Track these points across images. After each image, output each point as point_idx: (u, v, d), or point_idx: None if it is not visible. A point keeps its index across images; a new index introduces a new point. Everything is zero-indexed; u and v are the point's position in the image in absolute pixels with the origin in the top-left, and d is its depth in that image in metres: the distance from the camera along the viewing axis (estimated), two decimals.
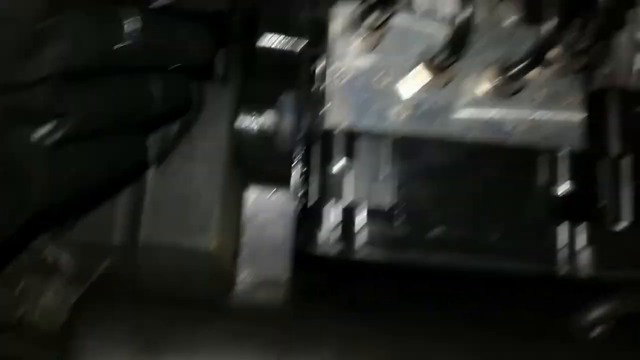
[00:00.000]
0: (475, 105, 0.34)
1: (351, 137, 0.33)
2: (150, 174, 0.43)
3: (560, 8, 0.30)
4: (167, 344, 0.25)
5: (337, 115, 0.33)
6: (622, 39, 0.46)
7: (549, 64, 0.34)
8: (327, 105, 0.33)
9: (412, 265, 0.33)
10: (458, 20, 0.29)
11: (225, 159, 0.43)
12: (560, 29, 0.31)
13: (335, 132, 0.33)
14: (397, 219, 0.33)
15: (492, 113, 0.34)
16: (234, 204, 0.44)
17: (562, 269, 0.34)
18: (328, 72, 0.33)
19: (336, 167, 0.33)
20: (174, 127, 0.44)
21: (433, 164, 0.34)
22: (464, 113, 0.34)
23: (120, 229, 0.42)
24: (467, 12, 0.29)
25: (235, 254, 0.41)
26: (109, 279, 0.34)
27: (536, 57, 0.31)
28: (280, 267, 0.41)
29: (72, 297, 0.35)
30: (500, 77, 0.33)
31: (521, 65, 0.32)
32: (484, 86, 0.34)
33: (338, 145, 0.33)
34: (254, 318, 0.28)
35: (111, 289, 0.28)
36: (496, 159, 0.34)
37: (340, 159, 0.33)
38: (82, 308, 0.25)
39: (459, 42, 0.31)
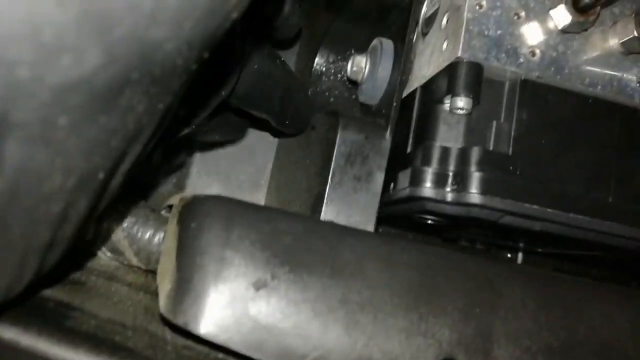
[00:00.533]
0: (605, 60, 0.32)
1: (479, 72, 0.31)
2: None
3: None
4: (304, 257, 0.21)
5: (469, 49, 0.31)
6: None
7: None
8: (460, 36, 0.30)
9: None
10: None
11: None
12: None
13: (462, 66, 0.31)
14: (515, 167, 0.31)
15: (621, 70, 0.32)
16: (306, 158, 0.40)
17: None
18: (467, 4, 0.30)
19: (458, 105, 0.31)
20: None
21: (557, 114, 0.32)
22: (593, 66, 0.32)
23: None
24: None
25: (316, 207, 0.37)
26: None
27: None
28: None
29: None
30: (637, 32, 0.31)
31: None
32: (616, 39, 0.32)
33: (466, 80, 0.31)
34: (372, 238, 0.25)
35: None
36: (619, 118, 0.33)
37: (465, 95, 0.31)
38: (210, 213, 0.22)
39: None
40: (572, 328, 0.23)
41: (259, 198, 0.42)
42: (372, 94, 0.38)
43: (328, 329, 0.20)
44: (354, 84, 0.40)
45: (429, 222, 0.36)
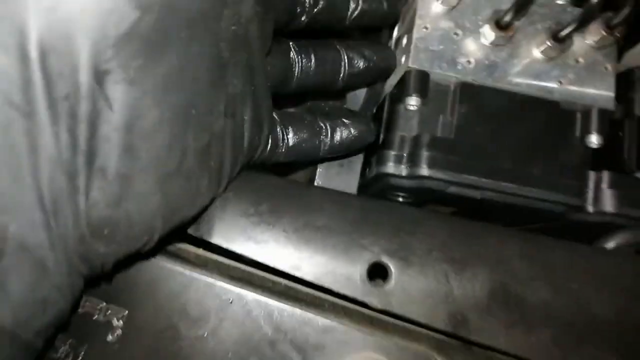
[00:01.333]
0: (528, 64, 0.42)
1: (425, 79, 0.41)
2: None
3: None
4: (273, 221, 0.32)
5: (417, 60, 0.41)
6: None
7: (589, 37, 0.42)
8: (410, 52, 0.41)
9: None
10: None
11: None
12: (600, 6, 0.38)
13: (412, 74, 0.41)
14: (456, 149, 0.40)
15: (540, 72, 0.42)
16: None
17: (590, 205, 0.41)
18: (415, 24, 0.41)
19: (410, 104, 0.41)
20: None
21: (490, 108, 0.41)
22: (518, 70, 0.42)
23: None
24: None
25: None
26: None
27: (579, 25, 0.39)
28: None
29: None
30: (550, 42, 0.41)
31: (567, 31, 0.39)
32: (536, 48, 0.41)
33: (415, 84, 0.41)
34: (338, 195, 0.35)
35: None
36: (541, 110, 0.42)
37: (415, 96, 0.41)
38: None
39: (521, 7, 0.38)
40: (478, 247, 0.32)
41: None
42: (354, 102, 0.48)
43: (295, 243, 0.31)
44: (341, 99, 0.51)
45: (400, 199, 0.46)
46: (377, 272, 0.32)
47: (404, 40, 0.43)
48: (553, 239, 0.35)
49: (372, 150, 0.45)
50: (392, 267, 0.31)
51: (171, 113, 0.22)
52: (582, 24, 0.38)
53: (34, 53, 0.18)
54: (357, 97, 0.49)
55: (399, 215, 0.34)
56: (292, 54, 0.39)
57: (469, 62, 0.41)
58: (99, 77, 0.19)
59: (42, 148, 0.19)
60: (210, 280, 0.29)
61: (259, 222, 0.31)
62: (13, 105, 0.17)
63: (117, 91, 0.20)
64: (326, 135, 0.40)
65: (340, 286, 0.30)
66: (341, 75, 0.42)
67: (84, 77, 0.19)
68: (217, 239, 0.30)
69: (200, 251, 0.31)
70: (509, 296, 0.31)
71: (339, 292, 0.30)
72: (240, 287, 0.30)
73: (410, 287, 0.31)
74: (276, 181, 0.34)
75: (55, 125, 0.19)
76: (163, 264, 0.29)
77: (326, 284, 0.30)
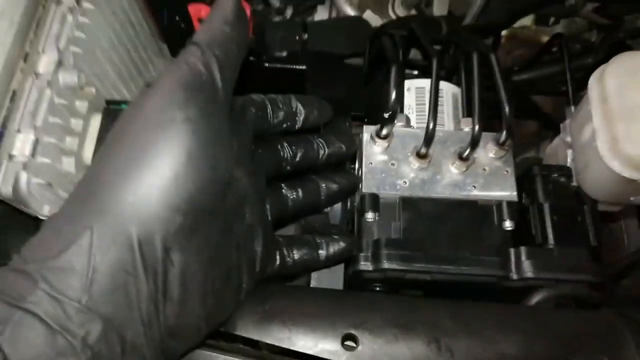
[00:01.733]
0: (448, 178, 0.58)
1: (376, 198, 0.57)
2: None
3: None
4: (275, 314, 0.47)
5: (367, 186, 0.58)
6: (557, 141, 0.71)
7: (488, 152, 0.58)
8: (362, 182, 0.58)
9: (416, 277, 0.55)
10: (428, 129, 0.54)
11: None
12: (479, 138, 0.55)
13: (367, 197, 0.58)
14: (406, 245, 0.55)
15: (458, 182, 0.58)
16: None
17: (513, 274, 0.54)
18: (363, 162, 0.58)
19: (368, 217, 0.57)
20: None
21: (426, 213, 0.57)
22: (442, 183, 0.58)
23: None
24: (432, 126, 0.54)
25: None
26: None
27: (472, 149, 0.55)
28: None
29: None
30: (458, 161, 0.57)
31: (466, 153, 0.56)
32: (451, 166, 0.58)
33: (369, 204, 0.57)
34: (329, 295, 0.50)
35: None
36: (464, 209, 0.57)
37: (370, 212, 0.57)
38: None
39: (428, 141, 0.56)
40: (418, 315, 0.46)
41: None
42: (334, 218, 0.65)
43: (290, 327, 0.45)
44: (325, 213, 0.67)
45: (377, 288, 0.60)
46: (350, 340, 0.46)
47: (360, 172, 0.61)
48: (477, 303, 0.49)
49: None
50: (359, 335, 0.45)
51: (204, 262, 0.40)
52: (473, 148, 0.55)
53: (135, 245, 0.35)
54: (335, 212, 0.65)
55: (362, 300, 0.48)
56: (284, 192, 0.56)
57: (404, 182, 0.58)
58: (166, 250, 0.36)
59: (142, 291, 0.36)
60: (233, 359, 0.44)
61: (266, 317, 0.46)
62: (127, 271, 0.35)
63: (176, 257, 0.37)
64: (323, 250, 0.54)
65: (324, 354, 0.45)
66: (322, 199, 0.58)
67: (159, 252, 0.36)
68: (238, 331, 0.45)
69: (223, 343, 0.46)
70: (441, 347, 0.44)
71: (323, 358, 0.44)
72: None
73: (372, 348, 0.44)
74: (278, 286, 0.50)
75: (147, 279, 0.36)
76: (202, 352, 0.44)
77: (314, 353, 0.44)
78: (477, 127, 0.54)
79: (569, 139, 0.67)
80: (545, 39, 0.93)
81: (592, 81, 0.60)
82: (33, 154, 0.48)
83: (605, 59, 0.70)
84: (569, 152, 0.67)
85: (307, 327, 0.46)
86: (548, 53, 0.84)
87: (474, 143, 0.54)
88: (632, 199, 0.61)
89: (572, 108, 0.69)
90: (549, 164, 0.65)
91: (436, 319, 0.46)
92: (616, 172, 0.56)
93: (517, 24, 0.91)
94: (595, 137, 0.57)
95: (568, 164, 0.67)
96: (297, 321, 0.46)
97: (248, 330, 0.45)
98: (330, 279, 0.61)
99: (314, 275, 0.61)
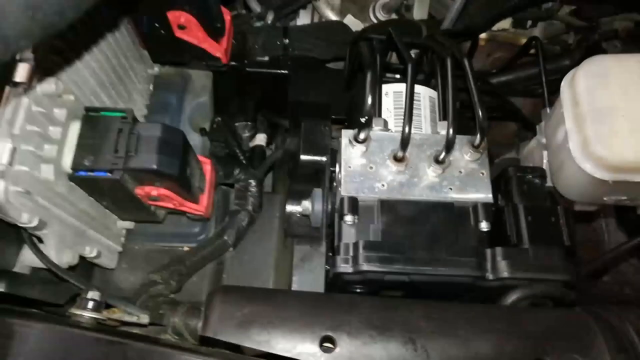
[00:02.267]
0: (425, 180, 0.59)
1: (355, 201, 0.58)
2: (227, 255, 0.68)
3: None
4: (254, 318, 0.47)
5: (346, 190, 0.58)
6: (534, 142, 0.72)
7: (464, 154, 0.59)
8: (341, 185, 0.59)
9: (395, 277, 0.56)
10: (403, 133, 0.55)
11: (277, 242, 0.68)
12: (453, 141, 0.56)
13: (345, 200, 0.58)
14: (385, 247, 0.56)
15: (435, 184, 0.59)
16: (284, 266, 0.68)
17: (489, 274, 0.55)
18: (342, 166, 0.59)
19: (347, 220, 0.58)
20: (244, 221, 0.69)
21: (404, 215, 0.58)
22: (419, 185, 0.59)
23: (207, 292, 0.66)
24: (408, 130, 0.55)
25: None
26: None
27: (446, 152, 0.56)
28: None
29: None
30: (434, 164, 0.58)
31: (442, 156, 0.57)
32: (428, 169, 0.59)
33: (348, 207, 0.58)
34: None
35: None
36: (441, 211, 0.58)
37: (350, 215, 0.58)
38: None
39: (405, 144, 0.56)
40: (393, 315, 0.47)
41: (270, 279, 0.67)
42: (315, 221, 0.65)
43: (270, 330, 0.46)
44: (307, 216, 0.68)
45: (358, 290, 0.61)
46: (328, 342, 0.46)
47: (339, 176, 0.62)
48: (452, 304, 0.50)
49: (332, 253, 0.61)
50: (336, 337, 0.46)
51: None
52: (447, 151, 0.56)
53: None
54: (316, 215, 0.66)
55: (340, 302, 0.49)
56: None
57: (383, 185, 0.59)
58: None
59: None
60: None
61: (245, 321, 0.47)
62: None
63: None
64: None
65: (302, 356, 0.45)
66: None
67: None
68: (218, 335, 0.46)
69: (204, 348, 0.46)
70: (417, 347, 0.45)
71: None
72: None
73: (350, 350, 0.45)
74: (257, 290, 0.50)
75: None
76: (181, 357, 0.44)
77: (293, 356, 0.45)
78: (451, 131, 0.55)
79: (544, 140, 0.68)
80: (523, 41, 0.94)
81: (564, 84, 0.61)
82: (11, 162, 0.47)
83: (581, 61, 0.71)
84: (545, 153, 0.68)
85: (285, 330, 0.46)
86: (526, 55, 0.85)
87: (449, 146, 0.55)
88: (605, 199, 0.62)
89: (547, 110, 0.71)
90: (524, 165, 0.66)
91: (412, 320, 0.47)
92: (588, 173, 0.57)
93: (496, 27, 0.93)
94: (568, 139, 0.59)
95: (544, 165, 0.68)
96: (276, 325, 0.46)
97: (228, 335, 0.46)
98: (311, 281, 0.62)
99: (295, 278, 0.61)
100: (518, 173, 0.61)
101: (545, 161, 0.68)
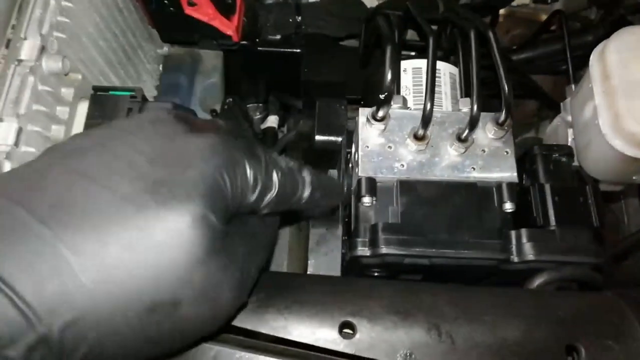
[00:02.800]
0: (447, 160, 0.56)
1: (373, 182, 0.55)
2: None
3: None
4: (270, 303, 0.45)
5: (364, 170, 0.56)
6: (558, 120, 0.69)
7: (488, 132, 0.56)
8: (359, 165, 0.56)
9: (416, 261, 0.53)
10: (425, 110, 0.52)
11: (291, 226, 0.66)
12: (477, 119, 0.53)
13: (363, 181, 0.56)
14: (404, 230, 0.53)
15: (457, 163, 0.56)
16: (299, 251, 0.65)
17: (514, 257, 0.53)
18: (359, 145, 0.56)
19: (365, 202, 0.55)
20: None
21: (424, 196, 0.55)
22: (440, 165, 0.56)
23: None
24: (430, 107, 0.52)
25: None
26: None
27: (470, 129, 0.53)
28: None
29: None
30: (457, 143, 0.55)
31: (465, 134, 0.54)
32: (450, 147, 0.56)
33: (365, 188, 0.55)
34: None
35: None
36: (463, 191, 0.55)
37: (367, 196, 0.55)
38: None
39: (426, 122, 0.53)
40: (416, 300, 0.44)
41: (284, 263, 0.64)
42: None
43: (286, 316, 0.44)
44: None
45: (376, 274, 0.58)
46: (348, 328, 0.44)
47: (356, 156, 0.59)
48: (477, 288, 0.47)
49: (350, 236, 0.59)
50: (356, 323, 0.44)
51: None
52: (471, 128, 0.53)
53: None
54: None
55: (360, 286, 0.47)
56: None
57: (402, 165, 0.56)
58: None
59: None
60: (231, 351, 0.42)
61: (261, 305, 0.45)
62: None
63: None
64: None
65: (320, 342, 0.43)
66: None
67: None
68: (233, 321, 0.44)
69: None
70: (441, 333, 0.42)
71: (320, 347, 0.43)
72: (252, 353, 0.43)
73: (370, 336, 0.43)
74: (273, 274, 0.48)
75: None
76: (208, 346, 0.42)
77: (310, 342, 0.43)
78: (475, 107, 0.51)
79: (569, 118, 0.65)
80: (544, 17, 0.90)
81: (593, 58, 0.57)
82: (17, 143, 0.46)
83: (605, 36, 0.67)
84: (570, 131, 0.65)
85: (303, 315, 0.44)
86: (547, 31, 0.81)
87: (473, 123, 0.52)
88: (634, 177, 0.59)
89: (573, 86, 0.67)
90: (549, 143, 0.62)
91: (436, 305, 0.44)
92: (618, 151, 0.54)
93: (516, 2, 0.88)
94: (597, 115, 0.55)
95: (569, 144, 0.65)
96: (293, 309, 0.44)
97: (243, 320, 0.44)
98: (327, 265, 0.60)
99: (311, 261, 0.59)
100: (544, 151, 0.57)
101: (570, 139, 0.65)
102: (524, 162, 0.58)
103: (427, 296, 0.45)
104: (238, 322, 0.44)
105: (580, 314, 0.45)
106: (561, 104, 0.67)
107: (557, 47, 0.84)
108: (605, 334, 0.43)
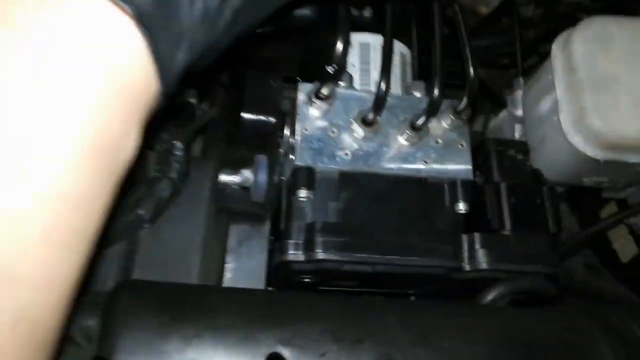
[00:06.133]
0: (396, 150, 0.46)
1: (311, 173, 0.44)
2: (142, 232, 0.50)
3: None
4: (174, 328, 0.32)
5: (301, 158, 0.44)
6: (504, 114, 0.62)
7: (443, 121, 0.47)
8: (296, 151, 0.44)
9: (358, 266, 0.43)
10: (379, 90, 0.41)
11: (206, 218, 0.52)
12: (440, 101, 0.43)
13: (300, 170, 0.44)
14: (345, 231, 0.43)
15: (407, 155, 0.46)
16: (215, 251, 0.52)
17: (466, 265, 0.44)
18: (297, 128, 0.44)
19: (301, 196, 0.44)
20: (166, 192, 0.52)
21: (369, 191, 0.45)
22: (389, 156, 0.46)
23: (114, 280, 0.46)
24: (385, 87, 0.41)
25: None
26: None
27: (428, 116, 0.44)
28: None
29: None
30: (409, 131, 0.45)
31: (421, 121, 0.44)
32: (400, 136, 0.46)
33: (302, 179, 0.44)
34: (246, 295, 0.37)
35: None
36: (413, 187, 0.45)
37: (304, 189, 0.44)
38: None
39: (380, 104, 0.43)
40: (363, 322, 0.34)
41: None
42: (257, 195, 0.50)
43: (196, 347, 0.31)
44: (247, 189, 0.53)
45: (306, 280, 0.47)
46: None
47: (291, 140, 0.47)
48: (430, 302, 0.38)
49: (278, 237, 0.47)
50: (288, 355, 0.32)
51: None
52: (429, 115, 0.43)
53: None
54: (259, 187, 0.51)
55: (294, 304, 0.35)
56: None
57: (346, 154, 0.45)
58: None
59: None
60: None
61: (161, 333, 0.32)
62: None
63: None
64: None
65: None
66: None
67: None
68: (120, 353, 0.30)
69: None
70: None
71: None
72: None
73: None
74: (177, 289, 0.35)
75: None
76: None
77: None
78: (436, 91, 0.42)
79: (518, 112, 0.57)
80: (484, 10, 0.83)
81: (556, 48, 0.50)
82: None
83: (550, 33, 0.61)
84: (517, 126, 0.58)
85: (219, 345, 0.32)
86: (492, 22, 0.74)
87: (433, 109, 0.43)
88: (585, 179, 0.53)
89: (521, 79, 0.60)
90: (502, 138, 0.55)
91: (386, 328, 0.34)
92: (579, 150, 0.47)
93: None
94: (557, 110, 0.48)
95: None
96: (205, 338, 0.32)
97: (136, 353, 0.31)
98: (249, 270, 0.47)
99: (229, 266, 0.46)
100: (498, 147, 0.49)
101: (517, 135, 0.57)
102: (475, 157, 0.49)
103: (375, 316, 0.35)
104: (129, 356, 0.31)
105: (545, 336, 0.37)
106: (508, 97, 0.60)
107: (497, 40, 0.78)
108: (572, 358, 0.36)
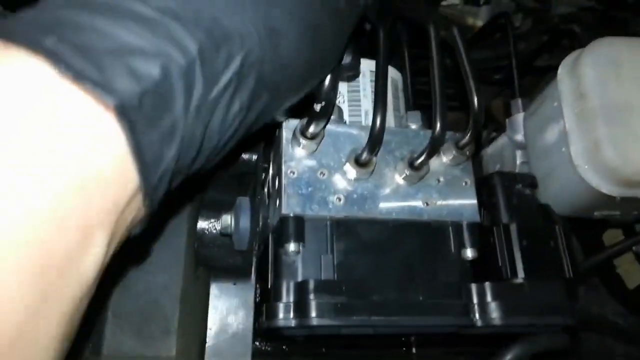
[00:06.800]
0: (394, 191, 0.41)
1: (300, 223, 0.38)
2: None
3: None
4: None
5: (289, 206, 0.38)
6: (504, 140, 0.57)
7: (444, 157, 0.42)
8: (282, 198, 0.38)
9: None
10: (374, 127, 0.36)
11: (184, 267, 0.45)
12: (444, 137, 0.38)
13: (288, 220, 0.38)
14: (341, 289, 0.37)
15: (406, 196, 0.41)
16: (196, 307, 0.46)
17: (477, 320, 0.39)
18: (282, 171, 0.38)
19: (290, 249, 0.38)
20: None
21: (366, 240, 0.39)
22: (386, 198, 0.40)
23: (83, 340, 0.42)
24: (380, 122, 0.36)
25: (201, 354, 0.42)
26: None
27: (429, 154, 0.38)
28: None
29: None
30: (408, 170, 0.40)
31: (420, 160, 0.39)
32: (398, 176, 0.41)
33: (291, 230, 0.38)
34: None
35: None
36: (414, 233, 0.40)
37: (293, 242, 0.38)
38: None
39: (375, 143, 0.38)
40: None
41: (171, 344, 0.44)
42: (239, 243, 0.44)
43: None
44: (229, 236, 0.47)
45: (301, 339, 0.41)
46: None
47: (276, 183, 0.41)
48: None
49: (265, 295, 0.41)
50: None
51: None
52: (431, 154, 0.38)
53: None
54: (242, 235, 0.45)
55: None
56: None
57: (338, 199, 0.39)
58: None
59: None
60: None
61: None
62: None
63: None
64: None
65: None
66: None
67: None
68: None
69: None
70: None
71: None
72: None
73: None
74: None
75: None
76: None
77: None
78: (439, 125, 0.36)
79: (519, 137, 0.53)
80: (471, 21, 0.79)
81: (563, 71, 0.45)
82: None
83: (542, 46, 0.57)
84: (519, 153, 0.53)
85: None
86: (490, 35, 0.69)
87: (435, 146, 0.37)
88: (596, 213, 0.48)
89: (519, 101, 0.55)
90: (507, 172, 0.50)
91: None
92: (592, 186, 0.42)
93: (445, 2, 0.76)
94: (567, 141, 0.43)
95: (517, 169, 0.53)
96: None
97: None
98: (234, 332, 0.41)
99: (210, 332, 0.40)
100: (505, 182, 0.44)
101: (519, 162, 0.53)
102: (481, 194, 0.44)
103: None
104: None
105: None
106: (507, 120, 0.55)
107: (487, 54, 0.73)
108: None
